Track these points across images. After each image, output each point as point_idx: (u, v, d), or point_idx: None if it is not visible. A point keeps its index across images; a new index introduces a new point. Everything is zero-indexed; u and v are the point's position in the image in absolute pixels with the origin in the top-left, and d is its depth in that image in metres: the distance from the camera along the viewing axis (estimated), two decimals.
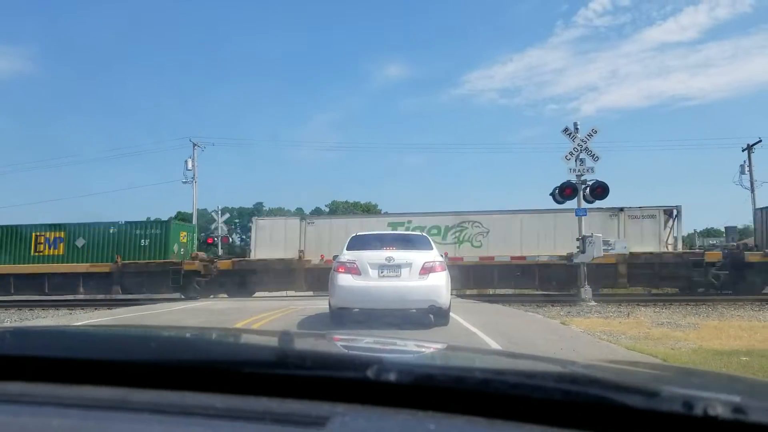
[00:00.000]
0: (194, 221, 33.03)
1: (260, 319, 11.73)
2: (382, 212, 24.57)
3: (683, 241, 23.27)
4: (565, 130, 17.77)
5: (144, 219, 26.62)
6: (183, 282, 22.73)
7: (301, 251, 22.83)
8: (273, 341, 1.28)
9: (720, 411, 0.81)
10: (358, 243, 10.39)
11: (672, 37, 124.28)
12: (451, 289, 10.35)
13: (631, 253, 20.15)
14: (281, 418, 0.83)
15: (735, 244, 24.28)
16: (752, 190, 33.26)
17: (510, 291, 23.48)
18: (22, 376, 0.99)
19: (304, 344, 1.44)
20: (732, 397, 0.92)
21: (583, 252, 17.27)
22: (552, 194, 18.32)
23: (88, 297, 23.61)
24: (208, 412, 0.85)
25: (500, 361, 1.42)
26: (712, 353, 7.40)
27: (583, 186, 17.32)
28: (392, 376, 0.92)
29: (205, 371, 1.00)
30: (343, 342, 1.66)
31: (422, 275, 9.48)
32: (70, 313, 17.60)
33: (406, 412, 0.87)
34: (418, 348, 1.61)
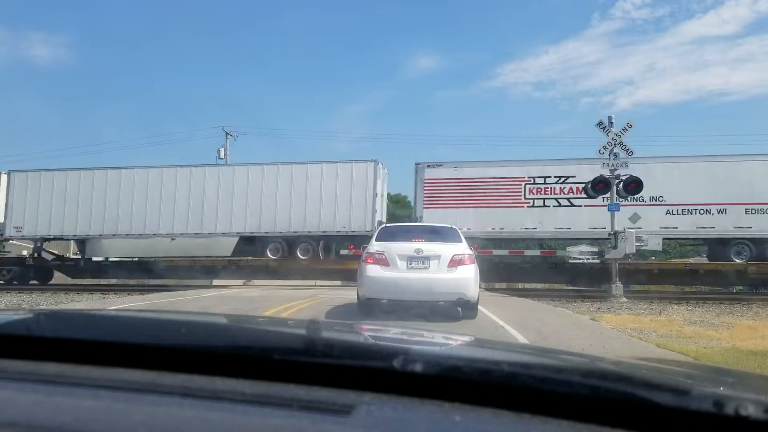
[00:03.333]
0: None
1: (289, 307, 11.84)
2: None
3: None
4: (600, 123, 17.51)
5: None
6: None
7: None
8: (301, 329, 1.30)
9: (752, 411, 0.79)
10: (387, 234, 10.42)
11: (712, 31, 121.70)
12: (480, 282, 10.31)
13: None
14: (308, 405, 0.84)
15: None
16: None
17: (539, 285, 23.31)
18: (55, 357, 1.02)
19: (332, 333, 1.45)
20: (764, 397, 0.90)
21: (614, 248, 17.05)
22: (585, 188, 18.11)
23: (120, 282, 24.11)
24: (237, 397, 0.86)
25: (528, 355, 1.41)
26: (746, 353, 7.26)
27: (617, 181, 17.08)
28: (419, 367, 0.93)
29: (235, 357, 1.02)
30: (370, 332, 1.67)
31: (451, 268, 9.46)
32: (104, 298, 17.94)
33: (432, 403, 0.87)
34: (445, 340, 1.61)
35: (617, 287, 16.80)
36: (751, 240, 20.37)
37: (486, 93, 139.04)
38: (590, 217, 20.60)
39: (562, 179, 21.49)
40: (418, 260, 9.54)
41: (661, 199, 20.67)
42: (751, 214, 20.03)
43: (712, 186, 20.36)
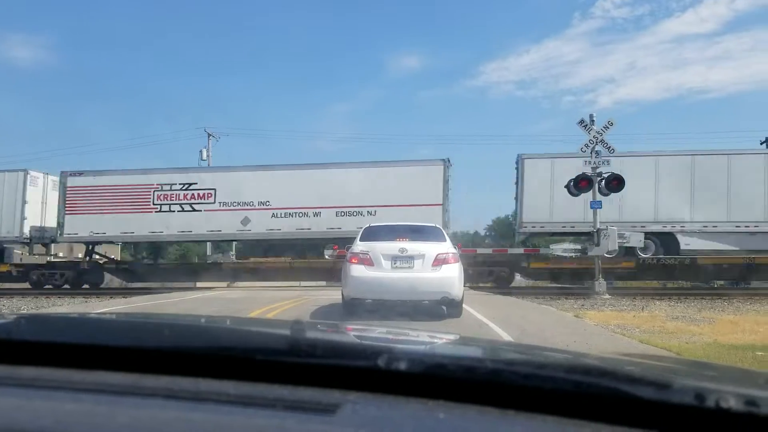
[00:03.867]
0: None
1: (274, 308, 11.79)
2: None
3: None
4: (581, 122, 17.61)
5: None
6: None
7: None
8: (285, 330, 1.29)
9: (732, 403, 0.80)
10: (371, 234, 10.40)
11: (691, 29, 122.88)
12: (464, 281, 10.32)
13: None
14: (292, 405, 0.84)
15: None
16: None
17: (524, 283, 23.44)
18: (36, 361, 1.01)
19: (316, 333, 1.45)
20: (745, 389, 0.91)
21: (597, 245, 17.16)
22: (567, 186, 18.21)
23: (102, 286, 23.97)
24: (221, 398, 0.86)
25: (512, 353, 1.42)
26: (728, 348, 7.34)
27: (599, 178, 17.20)
28: (403, 365, 0.93)
29: (218, 358, 1.01)
30: (355, 332, 1.67)
31: (435, 267, 9.47)
32: (86, 302, 17.77)
33: (417, 401, 0.87)
34: (429, 339, 1.61)
35: (600, 284, 16.91)
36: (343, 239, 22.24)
37: (469, 92, 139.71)
38: (207, 221, 22.56)
39: (186, 186, 23.00)
40: (403, 260, 9.54)
41: (267, 203, 22.44)
42: (341, 216, 21.91)
43: (309, 191, 22.21)
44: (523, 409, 0.85)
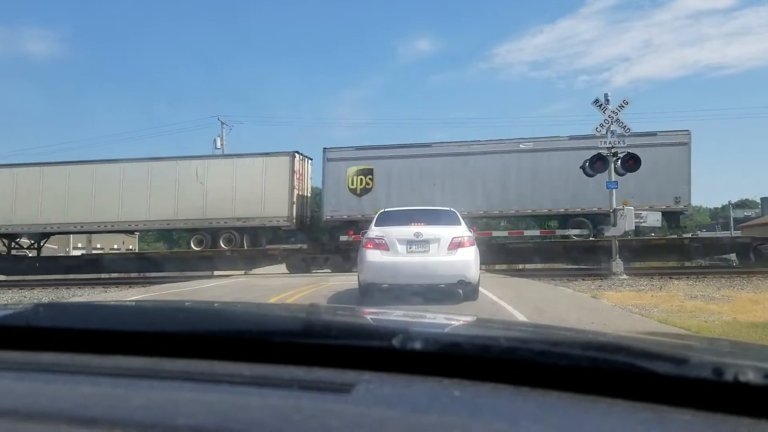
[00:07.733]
0: None
1: (292, 294, 11.86)
2: None
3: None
4: (596, 101, 17.45)
5: None
6: None
7: None
8: (300, 312, 1.30)
9: (751, 377, 0.79)
10: (386, 219, 10.40)
11: (707, 5, 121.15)
12: (480, 264, 10.29)
13: None
14: (308, 385, 0.84)
15: None
16: None
17: (540, 265, 23.40)
18: (54, 347, 1.02)
19: (332, 315, 1.45)
20: (763, 363, 0.90)
21: (614, 225, 17.04)
22: (582, 167, 18.07)
23: (121, 275, 24.21)
24: (237, 379, 0.87)
25: (526, 331, 1.42)
26: (747, 326, 7.29)
27: (614, 158, 17.05)
28: (418, 345, 0.93)
29: (234, 341, 1.02)
30: (370, 314, 1.67)
31: (451, 250, 9.46)
32: (105, 291, 17.97)
33: (432, 380, 0.87)
34: (445, 320, 1.62)
35: (617, 264, 16.82)
36: None
37: (482, 74, 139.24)
38: None
39: None
40: (418, 244, 9.54)
41: None
42: None
43: None
44: (539, 386, 0.85)
